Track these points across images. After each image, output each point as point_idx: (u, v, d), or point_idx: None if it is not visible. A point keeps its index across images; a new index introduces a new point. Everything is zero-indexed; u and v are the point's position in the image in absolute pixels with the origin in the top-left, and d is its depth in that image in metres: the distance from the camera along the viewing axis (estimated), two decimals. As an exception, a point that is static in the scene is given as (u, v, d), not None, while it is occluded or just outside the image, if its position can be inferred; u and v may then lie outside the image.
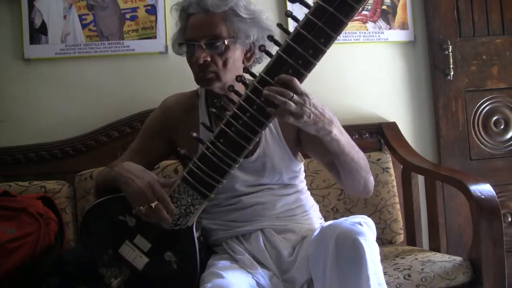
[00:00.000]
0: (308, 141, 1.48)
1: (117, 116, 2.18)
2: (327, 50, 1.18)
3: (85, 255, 1.43)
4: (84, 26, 2.21)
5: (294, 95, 1.19)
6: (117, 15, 2.23)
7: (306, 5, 1.19)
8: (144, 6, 2.23)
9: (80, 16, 2.21)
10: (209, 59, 1.40)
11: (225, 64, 1.42)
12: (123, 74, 2.23)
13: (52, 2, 2.18)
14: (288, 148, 1.49)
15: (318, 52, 1.18)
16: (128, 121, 2.17)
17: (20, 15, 2.17)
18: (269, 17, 1.49)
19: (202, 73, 1.42)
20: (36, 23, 2.18)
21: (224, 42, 1.41)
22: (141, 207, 1.28)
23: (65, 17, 2.20)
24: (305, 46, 1.17)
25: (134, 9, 2.23)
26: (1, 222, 1.67)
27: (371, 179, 1.47)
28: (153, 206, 1.27)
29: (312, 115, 1.22)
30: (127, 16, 2.23)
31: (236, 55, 1.44)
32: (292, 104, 1.19)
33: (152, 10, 2.23)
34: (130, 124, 2.17)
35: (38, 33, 2.18)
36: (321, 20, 1.16)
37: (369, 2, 2.35)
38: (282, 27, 1.22)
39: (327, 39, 1.16)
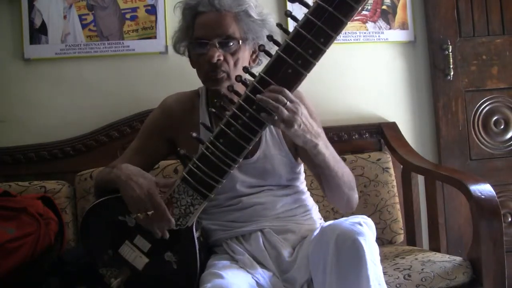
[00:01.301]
0: (301, 149, 1.48)
1: (117, 116, 2.18)
2: (327, 50, 1.18)
3: (85, 255, 1.43)
4: (84, 26, 2.21)
5: (288, 102, 1.20)
6: (117, 15, 2.23)
7: (306, 5, 1.18)
8: (144, 6, 2.23)
9: (80, 16, 2.21)
10: (222, 58, 1.41)
11: (236, 64, 1.42)
12: (123, 74, 2.23)
13: (52, 2, 2.18)
14: (288, 150, 1.50)
15: (317, 52, 1.18)
16: (128, 121, 2.17)
17: (20, 15, 2.17)
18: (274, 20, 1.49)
19: (213, 72, 1.42)
20: (36, 23, 2.18)
21: (238, 42, 1.42)
22: (138, 214, 1.28)
23: (65, 17, 2.20)
24: (305, 46, 1.17)
25: (134, 9, 2.23)
26: (1, 222, 1.66)
27: (355, 196, 1.48)
28: (150, 215, 1.27)
29: (302, 124, 1.24)
30: (127, 16, 2.23)
31: (245, 55, 1.45)
32: (285, 111, 1.20)
33: (152, 10, 2.23)
34: (130, 124, 2.17)
35: (38, 33, 2.18)
36: (320, 20, 1.15)
37: (369, 2, 2.35)
38: (282, 27, 1.22)
39: (327, 39, 1.16)
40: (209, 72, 1.42)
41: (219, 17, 1.42)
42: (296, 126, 1.22)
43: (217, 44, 1.40)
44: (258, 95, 1.20)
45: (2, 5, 2.18)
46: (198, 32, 1.44)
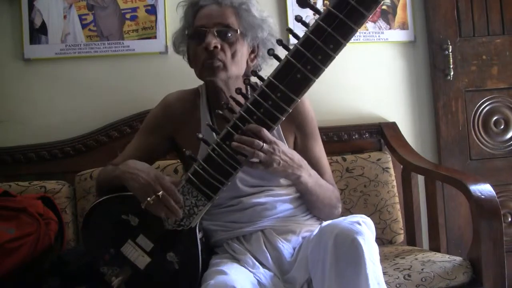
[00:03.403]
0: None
1: (117, 116, 2.18)
2: (336, 56, 1.18)
3: (86, 254, 1.43)
4: (84, 26, 2.21)
5: (264, 144, 1.23)
6: (117, 15, 2.22)
7: (317, 11, 1.18)
8: (144, 6, 2.23)
9: (80, 16, 2.21)
10: (219, 46, 1.41)
11: (233, 56, 1.43)
12: (123, 74, 2.23)
13: (52, 2, 2.18)
14: (290, 151, 1.50)
15: (327, 58, 1.18)
16: (128, 121, 2.17)
17: (20, 15, 2.17)
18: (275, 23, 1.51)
19: (210, 60, 1.42)
20: (36, 23, 2.18)
21: (236, 32, 1.43)
22: (148, 198, 1.27)
23: (65, 17, 2.20)
24: (314, 51, 1.18)
25: (134, 9, 2.23)
26: (1, 222, 1.66)
27: (336, 212, 1.54)
28: (160, 196, 1.27)
29: (281, 162, 1.29)
30: (127, 16, 2.23)
31: (244, 50, 1.47)
32: (261, 154, 1.24)
33: (152, 10, 2.23)
34: (130, 124, 2.17)
35: (38, 33, 2.18)
36: (331, 26, 1.16)
37: (369, 2, 2.35)
38: (292, 32, 1.22)
39: (336, 45, 1.17)
40: (206, 60, 1.43)
41: (219, 9, 1.44)
42: (275, 165, 1.28)
43: (215, 33, 1.42)
44: (233, 143, 1.23)
45: (2, 5, 2.17)
46: (198, 22, 1.46)
